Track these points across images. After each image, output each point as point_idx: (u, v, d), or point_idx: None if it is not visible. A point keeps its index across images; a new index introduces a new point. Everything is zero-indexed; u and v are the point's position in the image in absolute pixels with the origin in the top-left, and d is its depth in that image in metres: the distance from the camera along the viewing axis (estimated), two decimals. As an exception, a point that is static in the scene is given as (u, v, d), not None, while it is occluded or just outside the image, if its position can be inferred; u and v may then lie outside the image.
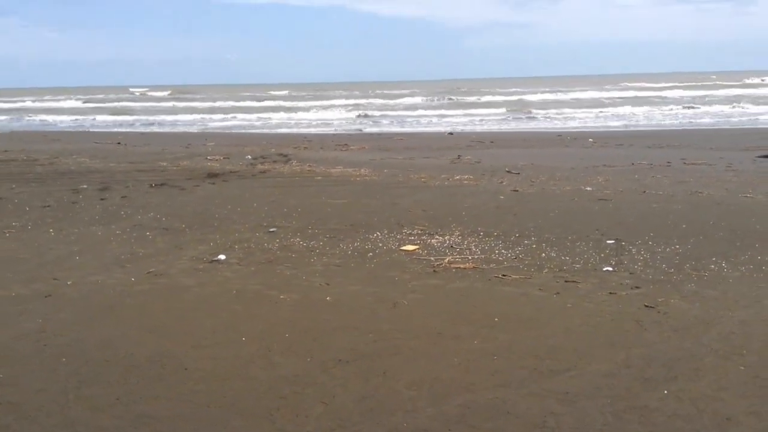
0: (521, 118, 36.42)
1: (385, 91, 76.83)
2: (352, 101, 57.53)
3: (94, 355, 5.03)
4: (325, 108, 49.71)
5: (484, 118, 35.72)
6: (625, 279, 6.75)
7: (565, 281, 6.72)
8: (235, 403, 4.24)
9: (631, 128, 29.36)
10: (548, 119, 34.76)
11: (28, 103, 64.80)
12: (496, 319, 5.68)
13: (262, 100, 62.78)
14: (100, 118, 44.20)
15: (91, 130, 33.60)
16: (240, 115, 43.18)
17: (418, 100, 56.56)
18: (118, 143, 24.01)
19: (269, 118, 40.82)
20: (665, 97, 50.29)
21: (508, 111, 40.17)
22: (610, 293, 6.32)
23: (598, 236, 8.56)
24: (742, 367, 4.66)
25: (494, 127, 31.11)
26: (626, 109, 40.16)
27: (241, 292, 6.48)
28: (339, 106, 51.89)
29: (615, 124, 31.57)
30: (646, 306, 5.93)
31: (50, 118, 44.56)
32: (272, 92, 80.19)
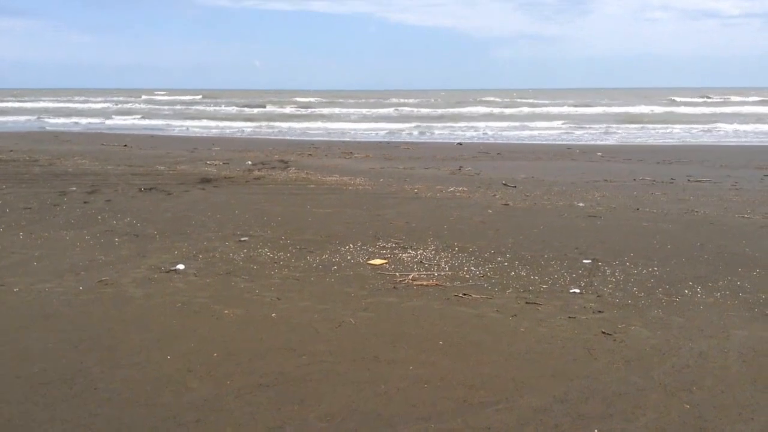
0: (532, 128, 35.89)
1: (410, 100, 76.49)
2: (369, 110, 57.36)
3: (5, 369, 4.81)
4: (342, 116, 49.59)
5: (497, 131, 35.22)
6: (590, 302, 6.42)
7: (526, 302, 6.40)
8: (131, 430, 3.98)
9: (644, 142, 28.79)
10: (556, 130, 34.13)
11: (51, 104, 65.52)
12: (441, 343, 5.38)
13: (284, 106, 62.86)
14: (117, 120, 44.49)
15: (104, 132, 33.69)
16: (254, 122, 43.08)
17: (440, 110, 56.08)
18: (125, 145, 24.02)
19: (282, 124, 40.70)
20: (686, 113, 49.41)
21: (517, 123, 39.61)
22: (569, 317, 5.99)
23: (575, 255, 8.22)
24: (687, 406, 4.32)
25: (510, 137, 30.67)
26: (644, 123, 39.48)
27: (186, 306, 6.24)
28: (355, 114, 51.78)
29: (626, 137, 30.96)
30: (603, 333, 5.60)
31: (68, 120, 44.86)
32: (297, 99, 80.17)
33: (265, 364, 4.93)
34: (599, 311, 6.16)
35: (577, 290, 6.80)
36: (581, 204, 11.93)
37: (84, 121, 44.14)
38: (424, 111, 55.57)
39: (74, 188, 13.51)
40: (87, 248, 8.44)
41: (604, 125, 37.51)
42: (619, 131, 34.16)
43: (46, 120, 44.24)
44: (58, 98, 79.47)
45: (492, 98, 75.47)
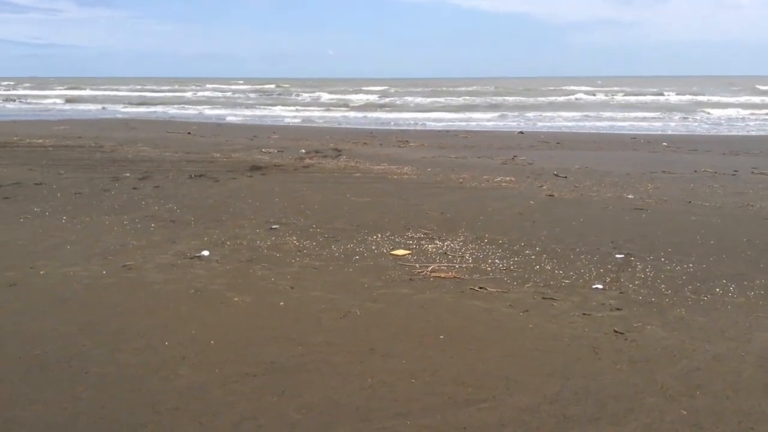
0: (601, 118, 34.85)
1: (483, 88, 75.50)
2: (437, 99, 56.94)
3: (10, 350, 4.94)
4: (409, 105, 49.42)
5: (564, 120, 34.36)
6: (610, 299, 6.16)
7: (543, 298, 6.20)
8: (108, 415, 4.02)
9: (713, 132, 27.61)
10: (624, 121, 32.98)
11: (126, 93, 67.56)
12: (442, 337, 5.25)
13: (351, 94, 63.06)
14: (188, 109, 45.57)
15: (174, 119, 34.54)
16: (317, 111, 43.41)
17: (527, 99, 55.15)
18: (188, 133, 24.54)
19: (347, 113, 40.83)
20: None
21: (592, 113, 38.52)
22: (584, 314, 5.76)
23: (609, 249, 7.92)
24: (684, 412, 4.08)
25: (577, 127, 29.90)
26: (719, 112, 37.87)
27: (199, 292, 6.29)
28: (423, 102, 51.54)
29: (697, 126, 29.78)
30: (616, 331, 5.36)
31: (140, 108, 46.25)
32: (367, 87, 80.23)
33: (259, 354, 4.91)
34: (617, 308, 5.90)
35: (600, 286, 6.54)
36: (630, 196, 11.50)
37: (155, 108, 45.40)
38: (496, 99, 54.70)
39: (128, 174, 13.86)
40: (122, 233, 8.62)
41: (679, 114, 36.17)
42: (691, 120, 32.88)
43: (119, 108, 45.68)
44: (135, 87, 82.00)
45: (567, 86, 73.76)
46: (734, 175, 14.22)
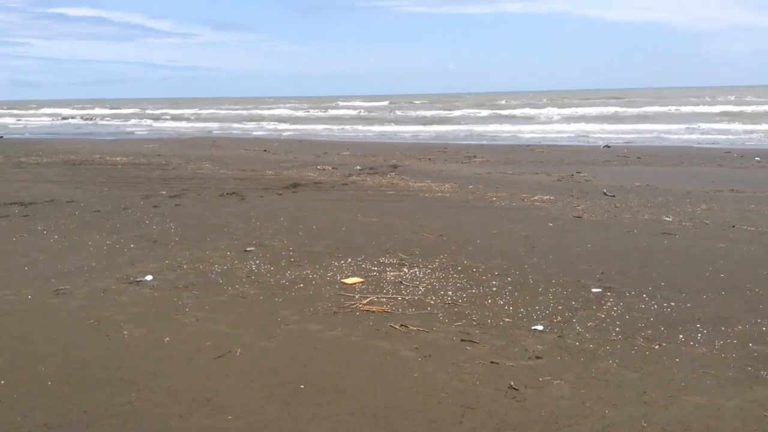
0: (708, 130, 32.25)
1: (609, 99, 72.49)
2: (548, 110, 55.15)
3: None
4: (517, 118, 48.15)
5: (671, 133, 32.09)
6: (539, 344, 5.25)
7: (461, 340, 5.38)
8: None
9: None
10: (727, 134, 30.25)
11: (240, 111, 69.65)
12: (302, 386, 4.58)
13: (458, 109, 62.20)
14: (285, 125, 46.49)
15: (261, 136, 35.19)
16: (413, 126, 43.03)
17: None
18: (264, 150, 24.72)
19: (439, 128, 40.20)
20: None
21: (709, 124, 35.67)
22: (492, 362, 4.91)
23: (590, 282, 6.93)
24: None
25: (679, 141, 27.81)
26: None
27: (98, 323, 5.92)
28: (532, 114, 50.09)
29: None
30: (511, 387, 4.49)
31: (241, 125, 47.63)
32: (484, 101, 79.11)
33: (83, 399, 4.43)
34: (538, 357, 5.01)
35: (541, 327, 5.63)
36: (669, 218, 10.25)
37: (249, 126, 46.56)
38: (610, 110, 52.19)
39: (164, 192, 13.91)
40: (91, 254, 8.45)
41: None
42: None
43: (233, 125, 47.26)
44: (252, 105, 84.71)
45: (691, 98, 69.52)
46: (814, 194, 12.48)
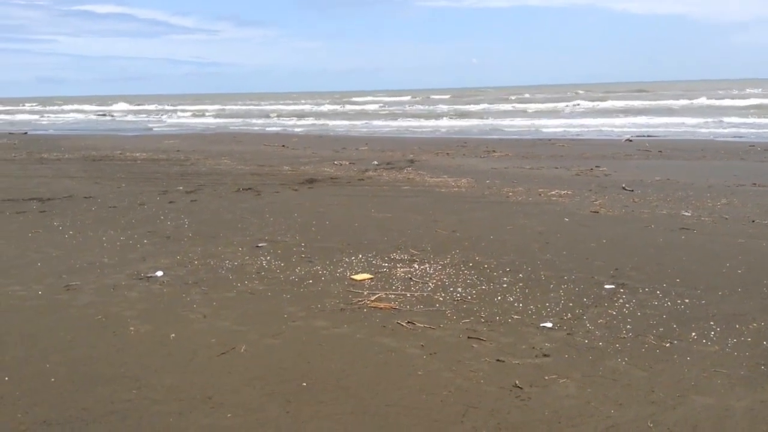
0: (737, 124, 31.69)
1: (633, 92, 71.63)
2: (574, 103, 54.64)
3: None
4: (540, 112, 47.75)
5: (696, 127, 31.59)
6: (547, 342, 5.16)
7: (468, 337, 5.30)
8: None
9: None
10: (752, 127, 29.68)
11: (265, 107, 69.86)
12: (304, 384, 4.53)
13: (481, 104, 61.87)
14: (304, 120, 46.51)
15: (280, 132, 35.24)
16: (432, 121, 42.85)
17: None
18: (282, 146, 24.75)
19: (460, 123, 39.98)
20: None
21: (737, 119, 35.10)
22: (498, 360, 4.83)
23: (603, 278, 6.81)
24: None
25: (705, 134, 27.37)
26: None
27: (106, 318, 5.91)
28: (553, 109, 49.65)
29: None
30: (515, 386, 4.40)
31: (259, 120, 47.70)
32: (505, 95, 78.66)
33: (84, 396, 4.41)
34: (545, 355, 4.91)
35: (550, 324, 5.53)
36: (688, 213, 10.07)
37: (269, 122, 46.64)
38: (635, 103, 51.64)
39: (181, 187, 13.94)
40: (105, 250, 8.47)
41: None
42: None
43: (253, 120, 47.36)
44: (272, 101, 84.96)
45: (717, 90, 68.53)
46: (840, 188, 12.21)
